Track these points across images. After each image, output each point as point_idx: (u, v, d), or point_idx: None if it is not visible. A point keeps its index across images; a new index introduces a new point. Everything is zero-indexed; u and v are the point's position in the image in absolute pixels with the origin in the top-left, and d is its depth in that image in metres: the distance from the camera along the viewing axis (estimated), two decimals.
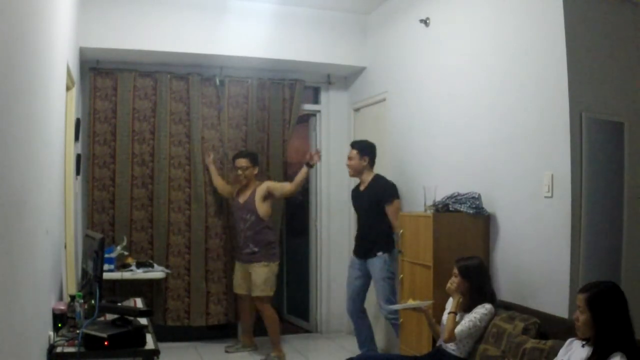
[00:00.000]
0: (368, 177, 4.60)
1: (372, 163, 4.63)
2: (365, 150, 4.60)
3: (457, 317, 3.28)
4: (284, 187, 4.99)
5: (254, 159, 5.04)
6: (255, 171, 5.03)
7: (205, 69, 5.42)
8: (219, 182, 5.25)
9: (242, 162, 4.96)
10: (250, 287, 4.93)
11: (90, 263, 3.00)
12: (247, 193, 4.99)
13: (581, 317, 2.43)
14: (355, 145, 4.69)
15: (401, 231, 4.15)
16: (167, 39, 4.95)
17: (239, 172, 4.96)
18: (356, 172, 4.65)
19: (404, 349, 4.12)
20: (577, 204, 3.18)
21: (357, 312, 4.72)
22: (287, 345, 5.32)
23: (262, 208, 4.90)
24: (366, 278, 4.63)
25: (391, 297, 4.38)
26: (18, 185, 1.85)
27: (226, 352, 5.11)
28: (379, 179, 4.58)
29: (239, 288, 5.06)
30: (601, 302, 2.39)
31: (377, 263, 4.44)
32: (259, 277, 4.85)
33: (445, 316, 3.41)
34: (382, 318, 5.14)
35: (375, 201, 4.49)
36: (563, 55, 3.22)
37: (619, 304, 2.39)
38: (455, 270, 3.35)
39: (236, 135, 5.48)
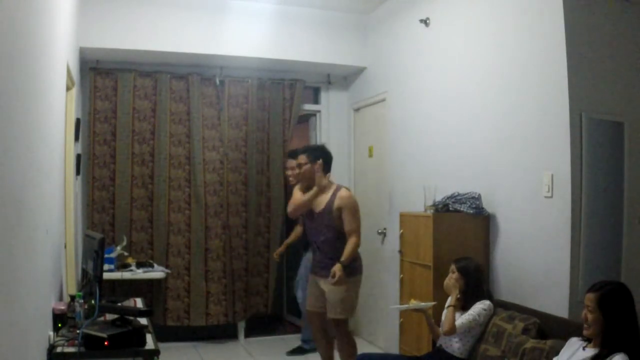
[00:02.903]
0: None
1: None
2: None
3: (459, 320, 3.29)
4: (349, 235, 3.92)
5: (315, 154, 4.08)
6: (320, 168, 4.03)
7: (205, 69, 5.42)
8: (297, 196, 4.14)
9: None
10: (322, 306, 4.05)
11: (90, 263, 3.00)
12: (324, 199, 4.01)
13: (590, 317, 2.42)
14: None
15: (402, 231, 4.16)
16: (167, 39, 4.95)
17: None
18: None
19: (404, 349, 4.12)
20: (577, 204, 3.18)
21: None
22: (287, 345, 5.31)
23: (341, 222, 3.94)
24: None
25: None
26: (18, 185, 1.85)
27: None
28: None
29: (310, 305, 4.15)
30: (611, 301, 2.39)
31: None
32: (335, 295, 3.90)
33: (443, 315, 3.42)
34: (383, 318, 5.14)
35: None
36: (563, 55, 3.22)
37: (627, 304, 2.40)
38: (453, 267, 3.41)
39: (236, 135, 5.48)
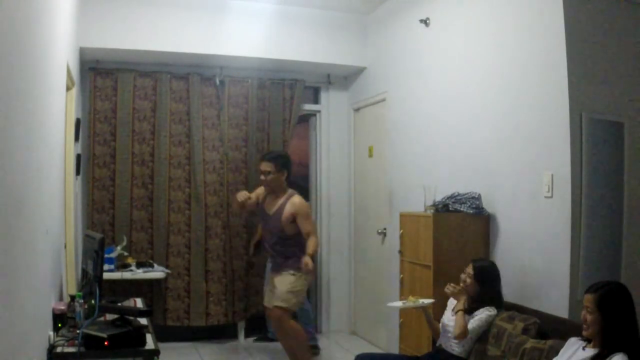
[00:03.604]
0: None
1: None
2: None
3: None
4: (308, 235, 4.20)
5: (279, 162, 4.33)
6: (283, 177, 4.34)
7: (205, 69, 5.42)
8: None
9: (264, 165, 4.34)
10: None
11: (90, 263, 3.00)
12: (275, 204, 4.33)
13: (589, 317, 2.42)
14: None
15: (402, 231, 4.16)
16: (167, 39, 4.95)
17: (262, 177, 4.37)
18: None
19: (404, 348, 4.13)
20: (577, 204, 3.18)
21: None
22: None
23: (290, 227, 4.25)
24: None
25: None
26: (18, 185, 1.85)
27: None
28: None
29: (267, 301, 4.44)
30: (610, 302, 2.39)
31: None
32: (283, 285, 4.22)
33: (445, 315, 3.41)
34: (383, 317, 5.14)
35: None
36: (563, 55, 3.22)
37: (626, 304, 2.40)
38: (470, 271, 3.31)
39: (236, 135, 5.48)
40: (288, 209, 4.23)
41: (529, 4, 3.54)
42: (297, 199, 4.30)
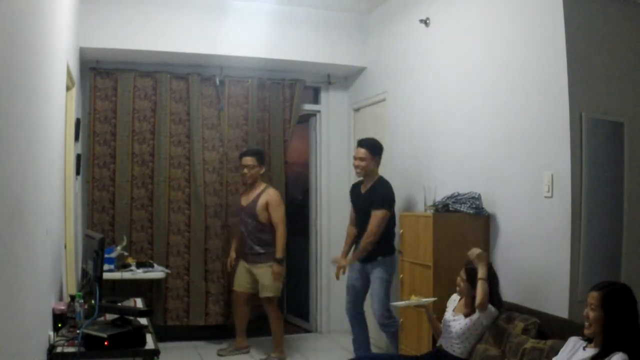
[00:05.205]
0: (372, 180, 4.39)
1: (378, 164, 4.41)
2: (378, 150, 4.38)
3: (462, 322, 3.27)
4: (277, 225, 4.73)
5: (260, 157, 4.90)
6: (262, 171, 4.88)
7: (205, 69, 5.42)
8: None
9: (248, 160, 4.82)
10: (252, 287, 4.88)
11: (90, 263, 3.00)
12: (251, 195, 4.86)
13: (592, 315, 2.42)
14: (364, 144, 4.39)
15: (402, 231, 4.16)
16: (167, 39, 4.95)
17: (245, 170, 4.83)
18: (367, 173, 4.38)
19: (403, 349, 4.12)
20: (577, 204, 3.18)
21: (357, 315, 4.59)
22: (287, 345, 5.31)
23: (263, 214, 4.76)
24: (366, 280, 4.41)
25: (386, 301, 4.22)
26: (18, 185, 1.85)
27: (219, 355, 4.98)
28: (380, 184, 4.35)
29: (239, 286, 4.95)
30: (615, 301, 2.39)
31: (377, 266, 4.27)
32: (267, 278, 4.75)
33: (446, 315, 3.41)
34: None
35: (370, 205, 4.26)
36: (563, 55, 3.22)
37: (630, 305, 2.41)
38: (463, 275, 3.31)
39: (236, 135, 5.48)
40: (262, 198, 4.77)
41: (529, 4, 3.54)
42: (272, 191, 4.85)
